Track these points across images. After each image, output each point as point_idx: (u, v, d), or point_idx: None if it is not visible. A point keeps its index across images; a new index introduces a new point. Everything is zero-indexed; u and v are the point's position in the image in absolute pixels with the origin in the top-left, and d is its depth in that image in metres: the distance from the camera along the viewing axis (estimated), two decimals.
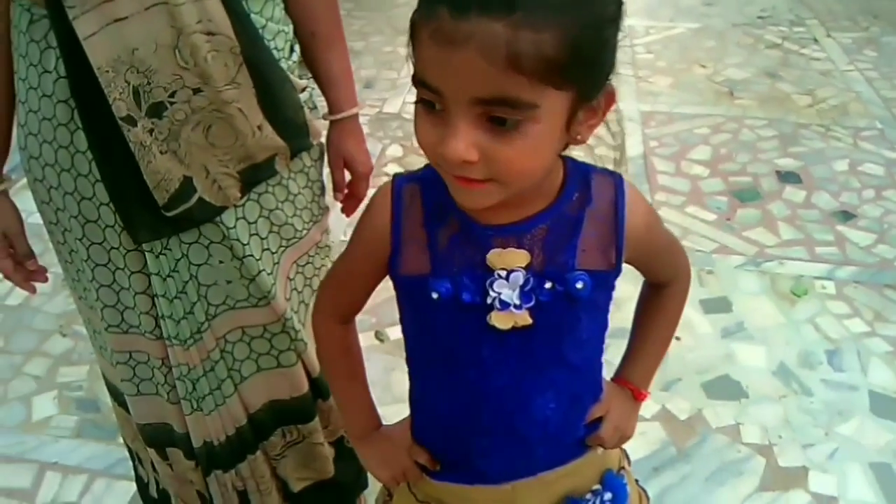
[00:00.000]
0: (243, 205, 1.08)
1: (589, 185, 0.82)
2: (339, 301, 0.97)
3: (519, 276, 0.79)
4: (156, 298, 1.10)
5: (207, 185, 1.02)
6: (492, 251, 0.80)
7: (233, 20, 0.96)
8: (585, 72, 0.67)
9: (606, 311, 0.88)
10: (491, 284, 0.80)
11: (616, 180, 0.83)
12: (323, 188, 1.25)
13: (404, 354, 2.14)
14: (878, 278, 2.34)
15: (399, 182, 0.85)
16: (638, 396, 1.01)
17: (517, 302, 0.80)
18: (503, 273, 0.79)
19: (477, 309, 0.81)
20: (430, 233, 0.82)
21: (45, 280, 1.21)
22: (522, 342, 0.83)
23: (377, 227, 0.85)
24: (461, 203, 0.75)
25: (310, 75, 1.19)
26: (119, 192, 1.01)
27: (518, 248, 0.80)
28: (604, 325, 0.89)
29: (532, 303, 0.80)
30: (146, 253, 1.07)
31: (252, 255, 1.10)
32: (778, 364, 2.03)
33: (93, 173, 1.01)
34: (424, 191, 0.83)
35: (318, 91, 1.21)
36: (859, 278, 2.34)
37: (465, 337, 0.84)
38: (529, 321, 0.81)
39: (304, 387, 1.27)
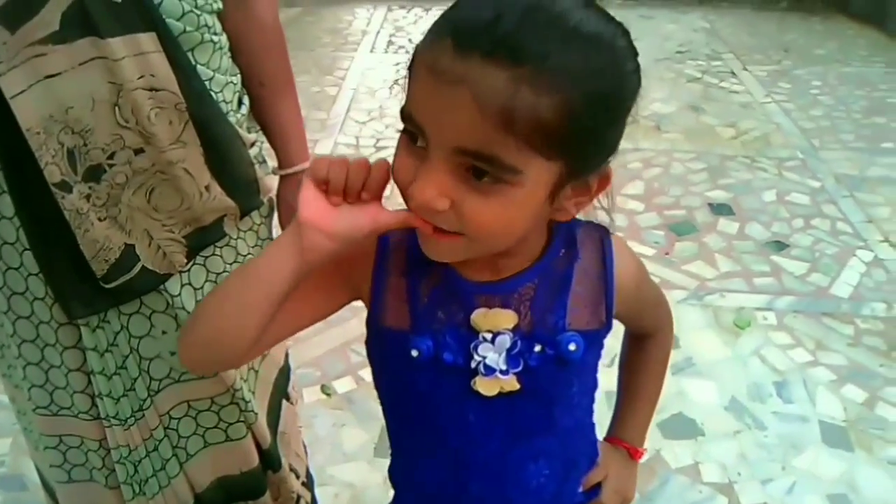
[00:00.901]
0: (189, 270, 1.00)
1: (575, 239, 0.77)
2: None
3: (506, 339, 0.73)
4: (92, 376, 1.00)
5: (151, 253, 0.94)
6: (476, 311, 0.74)
7: (177, 74, 0.88)
8: (581, 147, 0.62)
9: (596, 370, 0.83)
10: (475, 348, 0.74)
11: (601, 233, 0.78)
12: None
13: (353, 408, 2.06)
14: (816, 307, 2.39)
15: None
16: (634, 455, 0.96)
17: (503, 367, 0.74)
18: (488, 336, 0.73)
19: (460, 371, 0.75)
20: (410, 283, 0.75)
21: None
22: (510, 407, 0.77)
23: (355, 261, 0.76)
24: (426, 252, 0.69)
25: (258, 128, 1.11)
26: (50, 262, 0.92)
27: (503, 307, 0.74)
28: (594, 384, 0.84)
29: (520, 367, 0.74)
30: (81, 327, 0.97)
31: None
32: (729, 399, 2.02)
33: (20, 241, 0.91)
34: (410, 239, 0.75)
35: (266, 144, 1.14)
36: (798, 307, 2.38)
37: (447, 401, 0.77)
38: (517, 386, 0.75)
39: (255, 460, 1.19)
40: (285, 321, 0.76)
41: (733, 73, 4.22)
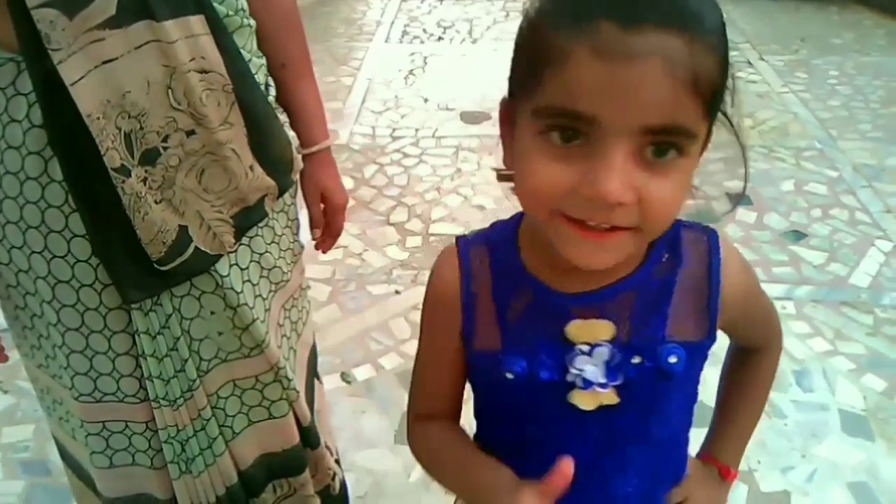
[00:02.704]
0: (235, 250, 1.02)
1: (679, 243, 0.72)
2: (432, 399, 0.84)
3: (604, 351, 0.70)
4: (142, 359, 1.02)
5: (202, 234, 0.95)
6: (571, 322, 0.71)
7: (224, 56, 0.90)
8: (722, 101, 0.61)
9: (697, 383, 0.79)
10: (572, 360, 0.71)
11: (709, 236, 0.74)
12: (298, 226, 1.19)
13: (373, 396, 2.07)
14: (834, 296, 2.39)
15: (464, 244, 0.76)
16: (727, 476, 0.90)
17: (603, 380, 0.71)
18: (585, 348, 0.71)
19: (556, 387, 0.72)
20: (500, 304, 0.73)
21: (6, 360, 1.10)
22: (606, 420, 0.74)
23: (447, 298, 0.75)
24: (579, 259, 0.62)
25: (282, 110, 1.13)
26: (107, 248, 0.92)
27: (600, 318, 0.71)
28: (694, 397, 0.80)
29: (620, 381, 0.71)
30: (133, 311, 0.98)
31: (246, 304, 1.03)
32: None
33: (68, 229, 0.92)
34: (493, 255, 0.74)
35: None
36: (816, 297, 2.38)
37: (542, 416, 0.75)
38: (616, 400, 0.72)
39: (296, 437, 1.21)
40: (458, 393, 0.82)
41: (750, 62, 4.20)
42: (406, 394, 2.06)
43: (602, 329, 0.71)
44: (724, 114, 0.62)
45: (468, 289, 0.74)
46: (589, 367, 0.71)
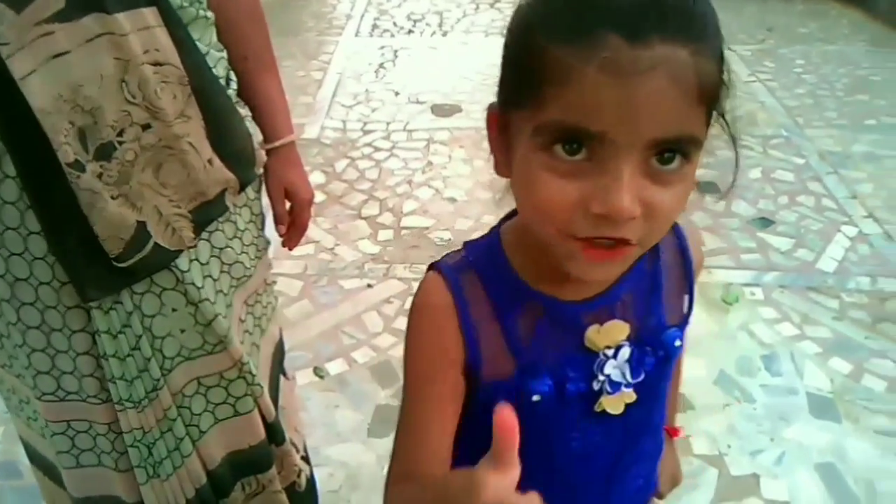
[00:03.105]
0: (195, 245, 1.00)
1: None
2: (426, 453, 0.73)
3: (626, 351, 0.71)
4: (104, 360, 1.00)
5: (161, 230, 0.94)
6: (590, 329, 0.70)
7: (179, 48, 0.89)
8: (720, 100, 0.60)
9: None
10: (600, 367, 0.70)
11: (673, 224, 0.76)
12: (264, 221, 1.19)
13: (345, 390, 2.06)
14: (801, 281, 2.43)
15: (449, 271, 0.71)
16: (674, 434, 0.94)
17: (629, 380, 0.71)
18: (609, 352, 0.70)
19: (584, 397, 0.71)
20: (506, 326, 0.70)
21: None
22: (626, 418, 0.74)
23: (445, 331, 0.70)
24: (585, 275, 0.63)
25: (244, 104, 1.12)
26: (63, 245, 0.91)
27: (613, 319, 0.71)
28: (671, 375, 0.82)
29: (642, 377, 0.71)
30: (93, 310, 0.96)
31: (207, 299, 1.02)
32: (718, 373, 2.06)
33: (24, 226, 0.90)
34: (484, 277, 0.71)
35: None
36: (783, 283, 2.42)
37: (563, 430, 0.74)
38: (634, 397, 0.73)
39: (262, 433, 1.20)
40: (450, 443, 0.73)
41: None
42: (379, 387, 2.04)
43: (619, 330, 0.71)
44: (721, 114, 0.62)
45: (467, 316, 0.70)
46: (614, 371, 0.71)
